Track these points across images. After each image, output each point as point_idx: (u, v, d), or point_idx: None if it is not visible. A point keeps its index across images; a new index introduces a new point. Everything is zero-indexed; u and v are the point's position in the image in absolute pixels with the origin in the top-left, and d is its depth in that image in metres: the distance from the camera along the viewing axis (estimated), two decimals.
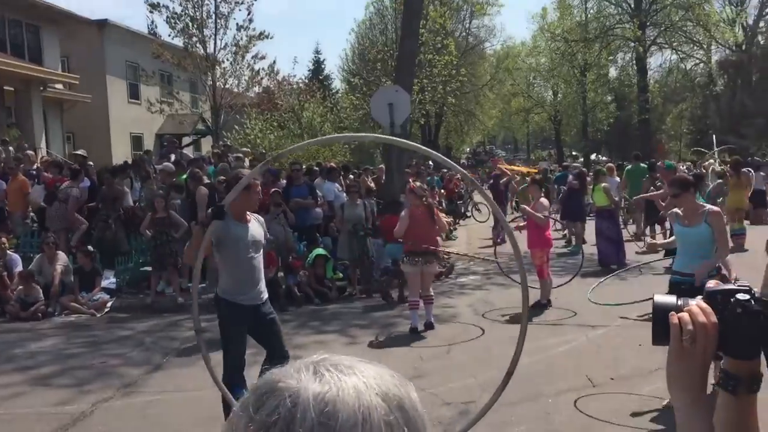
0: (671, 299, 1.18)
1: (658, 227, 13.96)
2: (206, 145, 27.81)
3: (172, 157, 14.98)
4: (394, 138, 5.92)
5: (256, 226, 5.33)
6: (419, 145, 6.03)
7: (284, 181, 13.14)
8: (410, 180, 13.68)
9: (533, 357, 7.16)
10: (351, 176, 15.95)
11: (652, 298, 1.20)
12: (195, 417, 5.83)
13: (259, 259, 5.32)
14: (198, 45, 22.76)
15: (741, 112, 33.59)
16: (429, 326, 8.68)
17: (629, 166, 16.54)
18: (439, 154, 5.39)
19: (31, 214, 12.87)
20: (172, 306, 10.44)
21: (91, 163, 14.90)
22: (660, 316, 1.18)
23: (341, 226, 11.48)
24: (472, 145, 63.77)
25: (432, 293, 8.98)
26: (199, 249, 4.93)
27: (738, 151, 28.70)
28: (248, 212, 5.31)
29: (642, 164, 15.39)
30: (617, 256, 12.45)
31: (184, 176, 12.18)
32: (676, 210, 6.05)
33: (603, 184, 13.29)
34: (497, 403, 5.73)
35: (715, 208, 6.07)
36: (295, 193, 12.16)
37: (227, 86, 24.16)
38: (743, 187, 14.26)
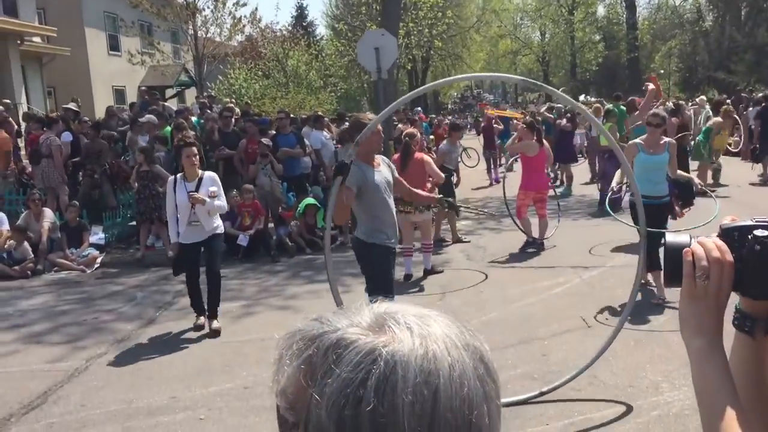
0: (685, 238, 1.11)
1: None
2: (190, 96, 27.37)
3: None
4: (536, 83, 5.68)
5: (385, 169, 5.35)
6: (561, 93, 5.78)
7: (273, 132, 12.93)
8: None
9: (528, 299, 7.18)
10: (346, 124, 15.72)
11: (663, 237, 1.12)
12: (189, 368, 5.80)
13: (392, 200, 5.34)
14: None
15: (730, 48, 33.22)
16: (428, 272, 8.65)
17: (609, 106, 16.36)
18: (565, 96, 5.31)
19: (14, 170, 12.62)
20: (162, 260, 10.33)
21: (86, 118, 14.63)
22: (672, 256, 1.10)
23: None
24: (460, 90, 63.18)
25: (431, 241, 8.92)
26: (347, 205, 5.00)
27: (726, 88, 28.54)
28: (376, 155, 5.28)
29: (622, 105, 15.26)
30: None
31: (168, 128, 11.96)
32: (638, 141, 6.99)
33: (610, 124, 12.87)
34: (492, 346, 5.73)
35: (671, 139, 7.25)
36: (282, 143, 11.95)
37: (209, 35, 23.68)
38: (725, 128, 14.31)
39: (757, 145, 15.50)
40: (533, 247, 9.67)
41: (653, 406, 4.50)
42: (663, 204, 6.96)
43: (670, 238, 1.13)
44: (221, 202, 6.85)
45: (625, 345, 5.67)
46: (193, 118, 15.06)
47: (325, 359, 0.68)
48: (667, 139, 7.14)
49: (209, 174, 6.92)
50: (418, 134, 9.82)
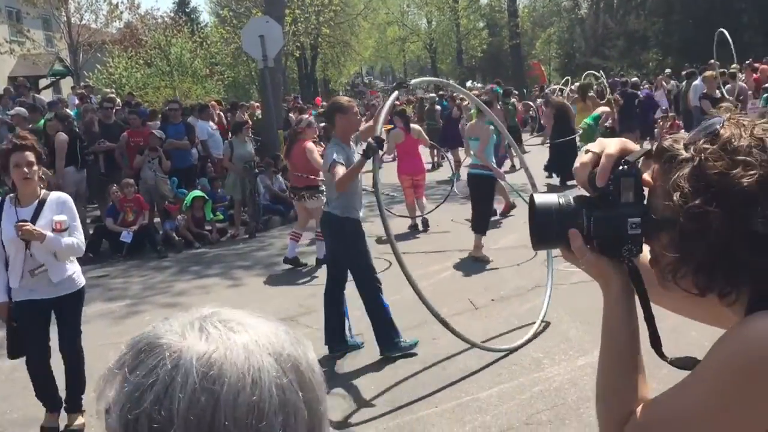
0: (552, 198, 1.14)
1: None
2: (66, 87, 25.97)
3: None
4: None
5: (353, 148, 5.58)
6: None
7: (158, 122, 12.49)
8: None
9: (419, 284, 7.27)
10: (238, 113, 15.41)
11: (531, 199, 1.14)
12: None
13: None
14: None
15: (604, 34, 34.93)
16: (321, 261, 8.60)
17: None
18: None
19: None
20: None
21: None
22: (541, 219, 1.12)
23: (230, 165, 10.92)
24: (350, 77, 63.20)
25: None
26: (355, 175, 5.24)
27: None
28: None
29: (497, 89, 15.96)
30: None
31: (42, 121, 11.29)
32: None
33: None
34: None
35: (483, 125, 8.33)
36: (172, 133, 11.56)
37: (84, 22, 22.54)
38: (589, 110, 15.17)
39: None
40: (419, 228, 10.15)
41: (535, 382, 4.69)
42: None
43: (538, 198, 1.14)
44: (74, 238, 4.43)
45: (509, 324, 5.88)
46: (69, 111, 14.32)
47: (131, 364, 0.67)
48: (483, 124, 8.38)
49: (56, 196, 4.50)
50: (312, 120, 9.77)
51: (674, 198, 1.01)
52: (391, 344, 5.39)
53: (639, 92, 17.77)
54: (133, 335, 0.72)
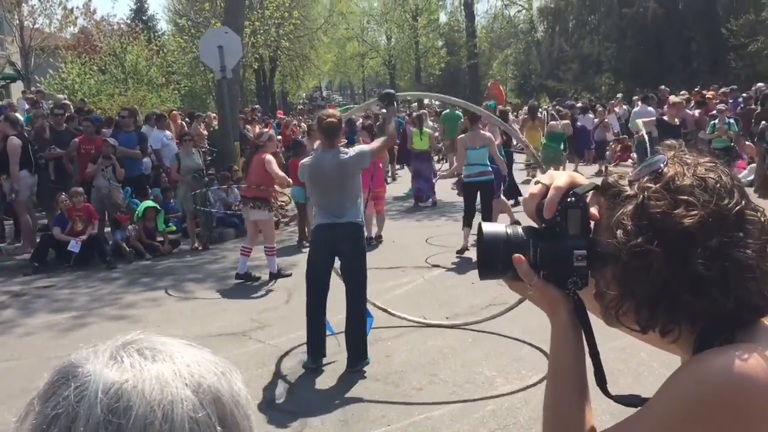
0: (500, 228, 1.14)
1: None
2: (16, 91, 25.30)
3: None
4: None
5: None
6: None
7: (109, 130, 12.26)
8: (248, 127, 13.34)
9: (373, 300, 7.24)
10: (199, 124, 15.30)
11: (480, 228, 1.14)
12: (9, 389, 5.32)
13: None
14: None
15: (559, 57, 35.62)
16: (274, 275, 8.51)
17: (446, 111, 17.78)
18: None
19: None
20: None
21: None
22: (488, 248, 1.12)
23: (178, 177, 10.77)
24: (309, 90, 63.12)
25: (273, 244, 8.71)
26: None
27: (556, 95, 30.63)
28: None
29: (456, 110, 16.36)
30: (430, 192, 13.91)
31: None
32: (463, 137, 9.22)
33: (429, 130, 14.46)
34: (337, 350, 5.74)
35: (488, 134, 9.30)
36: (123, 141, 11.33)
37: (37, 26, 22.06)
38: (537, 129, 15.62)
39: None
40: (372, 242, 10.07)
41: (487, 401, 4.69)
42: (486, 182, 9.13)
43: (486, 227, 1.14)
44: None
45: (463, 342, 5.89)
46: (19, 115, 13.95)
47: (47, 392, 0.65)
48: (487, 134, 9.30)
49: None
50: (270, 133, 9.76)
51: (617, 234, 1.02)
52: (364, 358, 5.43)
53: (582, 117, 18.51)
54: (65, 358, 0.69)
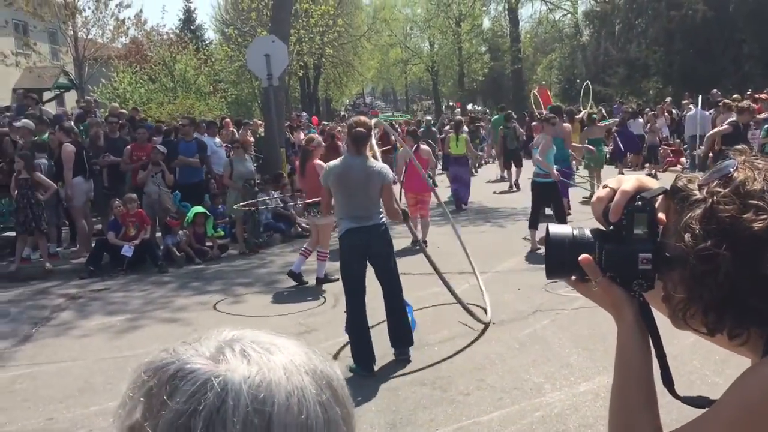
0: (566, 229, 1.16)
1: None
2: (70, 100, 26.05)
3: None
4: None
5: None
6: None
7: (159, 138, 12.61)
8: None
9: (418, 306, 7.28)
10: (233, 129, 15.61)
11: (547, 229, 1.17)
12: (68, 388, 5.51)
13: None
14: None
15: (605, 62, 35.13)
16: (320, 281, 8.60)
17: (496, 116, 18.19)
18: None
19: None
20: (39, 273, 9.80)
21: None
22: (555, 249, 1.15)
23: (230, 183, 11.04)
24: (352, 97, 63.52)
25: (326, 250, 8.68)
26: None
27: (602, 100, 30.21)
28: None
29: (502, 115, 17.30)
30: (466, 196, 14.45)
31: (46, 135, 11.33)
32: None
33: (465, 135, 14.91)
34: (384, 354, 5.80)
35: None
36: (183, 150, 11.64)
37: (90, 37, 22.68)
38: (576, 132, 15.50)
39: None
40: (417, 245, 10.12)
41: (536, 408, 4.69)
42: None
43: (552, 228, 1.18)
44: None
45: (510, 348, 5.88)
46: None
47: (162, 391, 0.66)
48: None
49: None
50: (318, 139, 9.91)
51: (685, 238, 1.03)
52: (411, 344, 5.79)
53: (632, 122, 18.37)
54: (146, 360, 0.71)
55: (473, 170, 18.51)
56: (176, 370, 0.67)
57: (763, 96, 17.92)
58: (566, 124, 11.87)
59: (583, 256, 1.15)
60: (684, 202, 1.07)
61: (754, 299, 1.01)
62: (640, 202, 1.12)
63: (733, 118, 12.28)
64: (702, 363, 4.93)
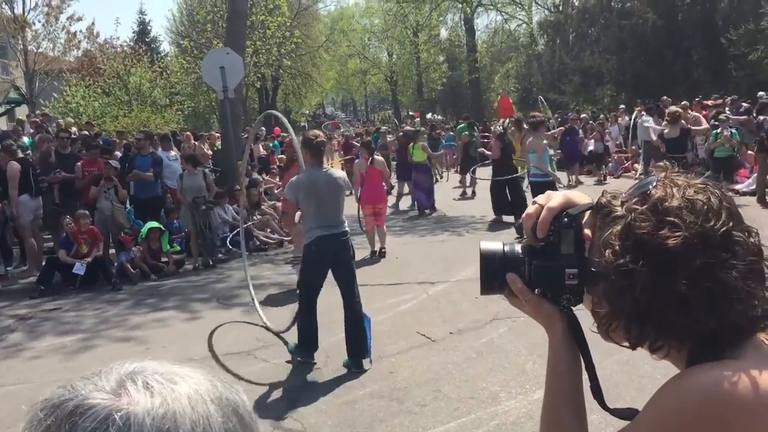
0: (497, 246, 1.18)
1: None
2: (21, 115, 25.51)
3: None
4: None
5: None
6: None
7: (118, 153, 12.45)
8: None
9: (376, 317, 7.25)
10: (196, 143, 15.49)
11: (479, 246, 1.19)
12: (14, 411, 5.35)
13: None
14: (4, 6, 20.75)
15: (560, 70, 35.68)
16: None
17: (461, 125, 18.86)
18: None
19: None
20: None
21: None
22: (486, 265, 1.17)
23: (181, 197, 10.97)
24: (312, 108, 63.42)
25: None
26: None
27: (557, 107, 30.70)
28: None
29: (462, 123, 17.99)
30: (429, 202, 14.73)
31: None
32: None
33: (421, 143, 15.27)
34: (341, 367, 5.78)
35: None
36: (139, 165, 11.47)
37: (41, 50, 22.30)
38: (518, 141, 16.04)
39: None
40: (375, 257, 10.52)
41: (492, 416, 4.70)
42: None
43: (483, 245, 1.18)
44: None
45: (467, 358, 5.90)
46: (25, 139, 14.08)
47: (61, 429, 0.64)
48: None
49: None
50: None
51: (606, 254, 1.05)
52: (366, 356, 5.90)
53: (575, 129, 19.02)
54: (43, 398, 0.69)
55: (437, 176, 18.96)
56: (75, 407, 0.65)
57: (710, 102, 18.41)
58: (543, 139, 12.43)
59: (509, 276, 1.16)
60: (606, 218, 1.10)
61: (670, 313, 1.03)
62: (566, 219, 1.13)
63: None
64: (653, 368, 5.00)
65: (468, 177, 17.13)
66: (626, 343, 1.10)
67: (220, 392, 0.70)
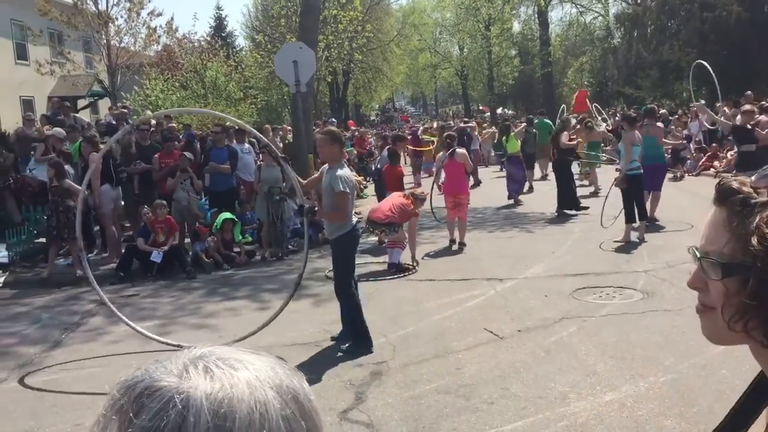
0: None
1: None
2: (104, 107, 26.51)
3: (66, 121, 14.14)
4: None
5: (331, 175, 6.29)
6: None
7: (198, 144, 12.85)
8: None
9: (443, 313, 7.26)
10: (275, 137, 15.93)
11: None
12: (96, 393, 5.58)
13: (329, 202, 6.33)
14: (88, 1, 21.53)
15: (637, 64, 34.62)
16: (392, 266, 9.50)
17: (537, 120, 18.67)
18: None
19: None
20: (70, 279, 9.96)
21: (4, 130, 13.94)
22: None
23: (257, 188, 11.26)
24: (381, 102, 63.66)
25: (402, 240, 9.60)
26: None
27: (634, 102, 29.82)
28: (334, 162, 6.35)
29: (545, 119, 17.81)
30: (518, 193, 15.38)
31: (77, 144, 11.52)
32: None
33: (513, 133, 15.96)
34: (408, 361, 5.80)
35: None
36: (215, 157, 11.78)
37: (123, 45, 23.08)
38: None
39: None
40: (456, 246, 10.82)
41: (560, 417, 4.62)
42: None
43: None
44: None
45: (535, 356, 5.82)
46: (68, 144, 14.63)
47: (131, 409, 0.67)
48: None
49: None
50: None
51: (753, 242, 0.97)
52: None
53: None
54: (120, 379, 0.72)
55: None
56: (144, 388, 0.69)
57: None
58: (659, 124, 12.97)
59: None
60: (744, 205, 1.01)
61: None
62: None
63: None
64: (732, 373, 4.82)
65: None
66: (763, 340, 1.00)
67: (281, 380, 0.72)
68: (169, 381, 0.68)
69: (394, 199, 9.63)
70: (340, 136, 6.63)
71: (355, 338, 6.31)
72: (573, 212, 12.90)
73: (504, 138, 15.67)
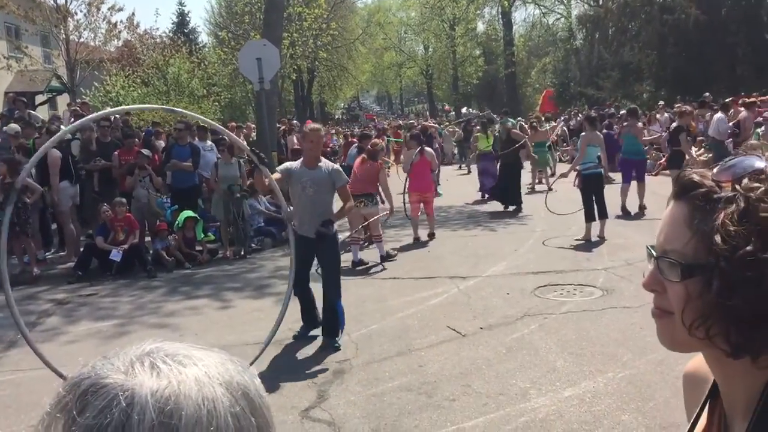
0: None
1: None
2: (62, 103, 26.00)
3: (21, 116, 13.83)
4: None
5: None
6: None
7: (162, 142, 12.64)
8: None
9: (407, 311, 7.28)
10: (239, 135, 15.65)
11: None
12: (50, 394, 5.45)
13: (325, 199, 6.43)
14: None
15: (599, 65, 35.17)
16: (383, 258, 9.75)
17: (501, 119, 19.11)
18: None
19: None
20: (26, 278, 9.75)
21: None
22: None
23: (215, 186, 11.13)
24: (346, 100, 63.57)
25: (379, 232, 10.09)
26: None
27: (595, 103, 30.27)
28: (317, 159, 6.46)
29: (510, 118, 18.34)
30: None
31: (32, 141, 11.27)
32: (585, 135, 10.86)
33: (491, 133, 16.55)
34: (371, 359, 5.80)
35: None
36: (177, 154, 11.62)
37: (82, 40, 22.69)
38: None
39: None
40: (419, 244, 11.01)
41: (521, 413, 4.67)
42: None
43: None
44: None
45: (497, 353, 5.86)
46: (63, 126, 14.33)
47: (75, 406, 0.66)
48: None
49: None
50: (382, 144, 11.80)
51: (717, 241, 0.89)
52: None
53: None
54: (69, 376, 0.71)
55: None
56: (89, 386, 0.67)
57: (753, 99, 17.98)
58: (639, 124, 14.05)
59: None
60: (707, 200, 0.93)
61: None
62: None
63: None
64: None
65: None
66: (727, 348, 0.91)
67: (231, 375, 0.71)
68: (115, 378, 0.67)
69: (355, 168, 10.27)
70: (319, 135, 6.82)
71: (334, 328, 6.43)
72: (512, 208, 13.78)
73: (484, 135, 16.13)
